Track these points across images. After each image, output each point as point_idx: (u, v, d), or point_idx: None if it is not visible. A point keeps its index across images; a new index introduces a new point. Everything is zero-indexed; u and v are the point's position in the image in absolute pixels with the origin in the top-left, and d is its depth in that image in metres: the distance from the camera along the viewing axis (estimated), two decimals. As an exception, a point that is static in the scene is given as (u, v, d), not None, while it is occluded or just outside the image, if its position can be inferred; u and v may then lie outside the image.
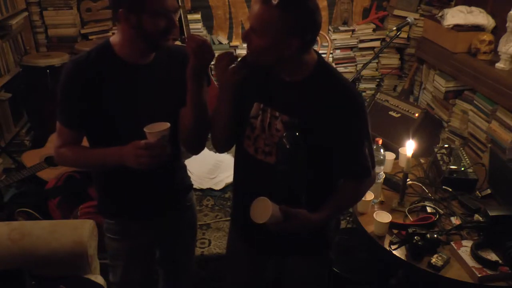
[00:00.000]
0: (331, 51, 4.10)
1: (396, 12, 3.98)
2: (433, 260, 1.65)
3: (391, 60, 4.18)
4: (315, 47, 1.91)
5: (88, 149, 1.46)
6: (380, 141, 2.04)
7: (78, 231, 1.85)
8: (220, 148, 1.52)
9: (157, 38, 1.32)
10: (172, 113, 1.42)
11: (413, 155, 1.95)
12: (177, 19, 1.36)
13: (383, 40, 4.14)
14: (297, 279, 1.59)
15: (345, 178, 1.42)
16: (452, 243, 1.73)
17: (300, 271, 1.57)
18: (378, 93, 3.42)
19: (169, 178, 1.58)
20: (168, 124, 1.31)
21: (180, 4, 3.47)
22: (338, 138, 1.32)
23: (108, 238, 1.61)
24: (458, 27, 3.15)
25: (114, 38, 1.39)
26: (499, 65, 2.82)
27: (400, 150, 2.25)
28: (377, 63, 4.20)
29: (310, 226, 1.35)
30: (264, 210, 1.24)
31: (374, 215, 1.80)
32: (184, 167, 1.68)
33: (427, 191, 2.09)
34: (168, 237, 1.69)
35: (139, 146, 1.27)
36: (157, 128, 1.29)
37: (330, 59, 4.13)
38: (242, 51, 4.05)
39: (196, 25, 3.87)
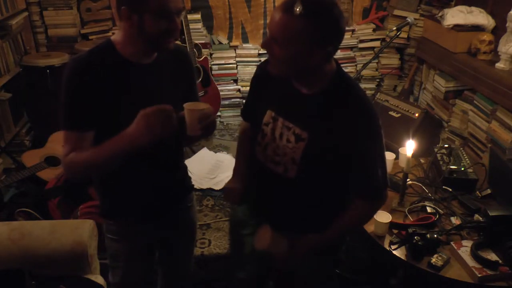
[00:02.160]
0: (331, 51, 4.09)
1: (396, 12, 3.98)
2: (433, 260, 1.65)
3: (391, 60, 4.18)
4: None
5: (97, 146, 1.36)
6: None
7: (78, 231, 1.85)
8: None
9: (158, 39, 1.30)
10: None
11: (413, 155, 1.95)
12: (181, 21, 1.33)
13: (383, 40, 4.14)
14: (307, 277, 1.59)
15: (354, 198, 1.38)
16: (452, 243, 1.73)
17: (310, 269, 1.57)
18: (378, 93, 3.42)
19: (170, 179, 1.58)
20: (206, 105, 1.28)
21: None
22: (350, 157, 1.29)
23: (108, 239, 1.60)
24: (458, 27, 3.15)
25: (116, 36, 1.37)
26: (499, 65, 2.82)
27: (400, 150, 2.25)
28: (377, 63, 4.20)
29: (316, 248, 1.42)
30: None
31: (374, 215, 1.80)
32: (185, 168, 1.68)
33: (427, 191, 2.09)
34: (167, 238, 1.69)
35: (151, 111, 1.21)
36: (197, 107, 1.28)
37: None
38: (242, 51, 4.06)
39: (196, 25, 3.86)
